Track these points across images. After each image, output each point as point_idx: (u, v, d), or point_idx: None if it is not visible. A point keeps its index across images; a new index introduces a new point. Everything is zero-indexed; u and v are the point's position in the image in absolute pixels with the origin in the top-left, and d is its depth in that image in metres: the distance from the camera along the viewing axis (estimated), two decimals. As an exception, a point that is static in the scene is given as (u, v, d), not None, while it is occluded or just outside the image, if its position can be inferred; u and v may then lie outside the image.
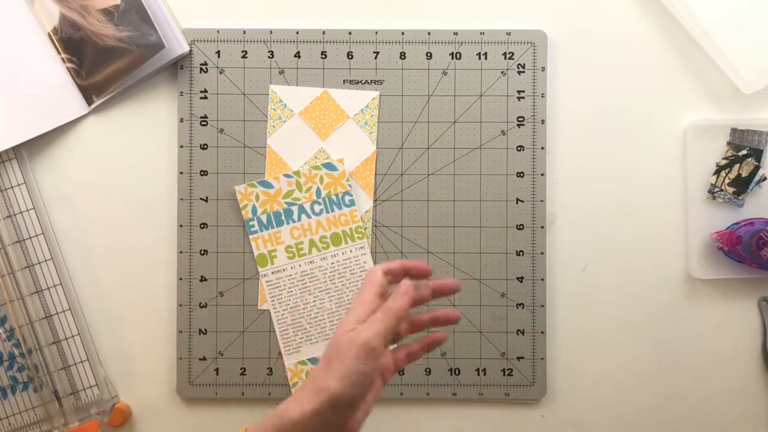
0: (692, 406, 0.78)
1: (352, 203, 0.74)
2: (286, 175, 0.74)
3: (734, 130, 0.76)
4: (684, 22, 0.75)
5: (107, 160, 0.76)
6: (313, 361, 0.75)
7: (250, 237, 0.74)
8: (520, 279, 0.77)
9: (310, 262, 0.74)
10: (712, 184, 0.76)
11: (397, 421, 0.77)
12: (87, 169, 0.77)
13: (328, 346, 0.54)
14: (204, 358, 0.76)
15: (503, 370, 0.77)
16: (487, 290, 0.77)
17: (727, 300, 0.77)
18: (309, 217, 0.74)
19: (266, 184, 0.74)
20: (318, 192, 0.74)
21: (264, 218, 0.74)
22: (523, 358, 0.77)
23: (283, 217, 0.74)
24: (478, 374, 0.77)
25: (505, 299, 0.77)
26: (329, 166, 0.74)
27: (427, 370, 0.77)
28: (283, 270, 0.74)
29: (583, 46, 0.77)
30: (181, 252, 0.76)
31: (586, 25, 0.77)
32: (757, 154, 0.76)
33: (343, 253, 0.74)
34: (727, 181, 0.76)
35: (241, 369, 0.76)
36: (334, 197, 0.74)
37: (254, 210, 0.74)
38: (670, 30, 0.77)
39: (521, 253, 0.77)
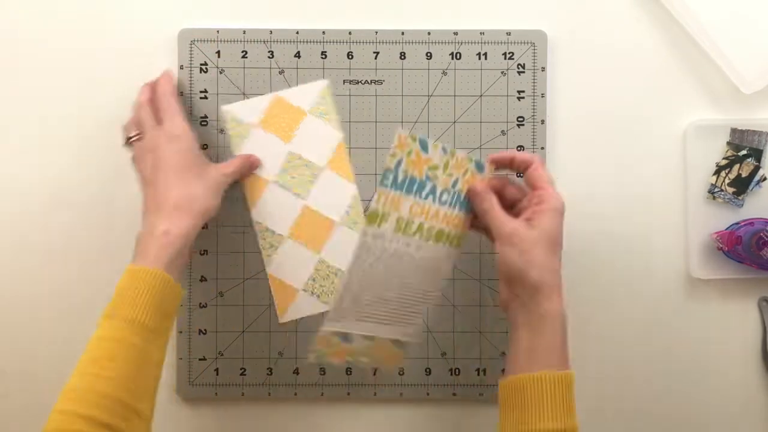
0: (692, 406, 0.78)
1: (469, 209, 0.68)
2: (444, 149, 0.65)
3: (734, 130, 0.76)
4: (684, 22, 0.75)
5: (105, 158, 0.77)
6: (346, 337, 0.66)
7: (379, 188, 0.62)
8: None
9: (408, 245, 0.65)
10: (712, 184, 0.76)
11: (397, 421, 0.77)
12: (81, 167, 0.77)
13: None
14: (204, 359, 0.76)
15: (503, 370, 0.77)
16: (486, 290, 0.77)
17: (727, 300, 0.77)
18: (434, 201, 0.65)
19: (425, 146, 0.63)
20: (455, 183, 0.66)
21: (401, 177, 0.62)
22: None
23: (415, 187, 0.64)
24: (478, 374, 0.77)
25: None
26: (479, 166, 0.68)
27: (428, 370, 0.77)
28: (383, 238, 0.63)
29: (583, 46, 0.77)
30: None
31: (586, 26, 0.77)
32: (757, 154, 0.76)
33: (435, 251, 0.67)
34: (727, 181, 0.76)
35: (241, 369, 0.76)
36: (463, 195, 0.67)
37: (399, 163, 0.62)
38: (670, 30, 0.77)
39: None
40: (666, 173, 0.77)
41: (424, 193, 0.64)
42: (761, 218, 0.75)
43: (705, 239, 0.76)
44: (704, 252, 0.76)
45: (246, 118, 0.75)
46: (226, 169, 0.71)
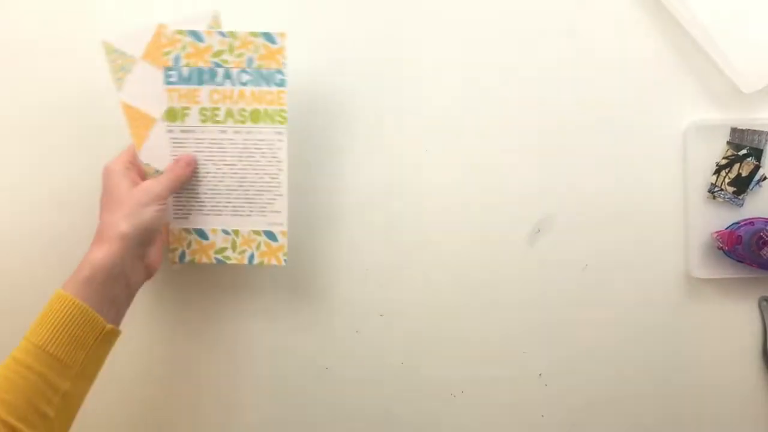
0: (692, 406, 0.77)
1: (282, 83, 0.69)
2: (221, 33, 0.68)
3: (734, 130, 0.76)
4: (684, 22, 0.75)
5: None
6: (199, 232, 0.71)
7: (166, 87, 0.68)
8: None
9: (223, 131, 0.69)
10: (712, 184, 0.76)
11: (398, 420, 0.77)
12: None
13: (105, 196, 0.65)
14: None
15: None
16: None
17: (727, 300, 0.77)
18: (233, 84, 0.68)
19: (197, 36, 0.68)
20: (250, 61, 0.68)
21: (186, 71, 0.68)
22: (523, 357, 0.77)
23: (205, 76, 0.68)
24: (478, 374, 0.77)
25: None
26: (269, 37, 0.68)
27: (427, 369, 0.77)
28: (193, 131, 0.69)
29: (583, 46, 0.77)
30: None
31: (586, 25, 0.77)
32: (757, 153, 0.76)
33: (259, 133, 0.69)
34: (727, 180, 0.76)
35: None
36: (265, 71, 0.69)
37: (177, 59, 0.68)
38: (671, 30, 0.77)
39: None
40: (666, 173, 0.77)
41: (219, 79, 0.68)
42: (761, 218, 0.75)
43: (705, 239, 0.76)
44: (704, 252, 0.76)
45: (129, 50, 0.69)
46: (155, 187, 0.66)
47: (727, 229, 0.75)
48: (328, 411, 0.77)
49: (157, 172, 0.70)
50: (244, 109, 0.69)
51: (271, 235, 0.71)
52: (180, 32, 0.68)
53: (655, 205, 0.77)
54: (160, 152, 0.70)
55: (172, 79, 0.68)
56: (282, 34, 0.68)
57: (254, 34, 0.68)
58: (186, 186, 0.70)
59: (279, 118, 0.69)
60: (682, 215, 0.77)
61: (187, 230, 0.71)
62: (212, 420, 0.77)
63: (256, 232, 0.71)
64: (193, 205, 0.71)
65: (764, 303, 0.77)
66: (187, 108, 0.69)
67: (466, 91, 0.76)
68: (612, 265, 0.77)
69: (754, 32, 0.76)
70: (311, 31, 0.76)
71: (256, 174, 0.70)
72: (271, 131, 0.69)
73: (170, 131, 0.69)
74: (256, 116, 0.69)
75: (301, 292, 0.77)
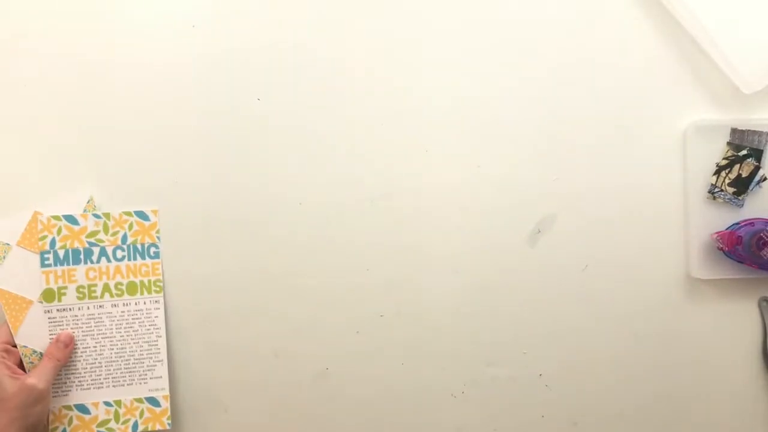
0: (692, 406, 0.78)
1: (156, 256, 0.73)
2: (95, 215, 0.73)
3: (734, 130, 0.76)
4: (684, 22, 0.75)
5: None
6: (81, 408, 0.73)
7: (42, 269, 0.72)
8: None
9: (100, 306, 0.73)
10: (712, 185, 0.76)
11: (398, 419, 0.77)
12: None
13: None
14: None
15: (502, 370, 0.77)
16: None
17: (727, 300, 0.77)
18: (109, 261, 0.73)
19: (72, 220, 0.72)
20: (124, 238, 0.73)
21: (62, 253, 0.72)
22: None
23: (81, 256, 0.72)
24: (478, 374, 0.77)
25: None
26: (142, 215, 0.73)
27: (427, 370, 0.77)
28: (70, 309, 0.72)
29: (583, 46, 0.77)
30: None
31: (586, 25, 0.77)
32: (757, 154, 0.76)
33: (136, 304, 0.73)
34: (727, 181, 0.76)
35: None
36: (139, 246, 0.73)
37: (53, 243, 0.72)
38: (671, 30, 0.77)
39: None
40: (666, 173, 0.77)
41: (95, 258, 0.72)
42: (761, 218, 0.75)
43: (705, 239, 0.76)
44: (704, 252, 0.76)
45: (3, 238, 0.72)
46: (38, 384, 0.67)
47: (727, 229, 0.75)
48: (328, 411, 0.77)
49: (35, 353, 0.72)
50: (120, 283, 0.73)
51: (153, 401, 0.73)
52: (55, 217, 0.72)
53: (655, 206, 0.77)
54: (37, 333, 0.72)
55: (47, 262, 0.72)
56: (154, 211, 0.73)
57: (128, 213, 0.73)
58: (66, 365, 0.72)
59: (155, 288, 0.73)
60: (682, 216, 0.77)
61: (68, 407, 0.73)
62: (212, 420, 0.77)
63: (139, 400, 0.73)
64: (73, 381, 0.73)
65: (764, 303, 0.77)
66: (64, 287, 0.72)
67: (467, 91, 0.76)
68: (612, 265, 0.77)
69: (754, 32, 0.76)
70: (311, 31, 0.76)
71: (135, 343, 0.73)
72: (149, 300, 0.73)
73: (47, 311, 0.72)
74: (132, 289, 0.73)
75: (301, 292, 0.77)
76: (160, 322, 0.73)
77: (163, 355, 0.73)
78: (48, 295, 0.72)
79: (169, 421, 0.74)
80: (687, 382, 0.77)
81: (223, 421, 0.77)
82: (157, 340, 0.73)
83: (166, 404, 0.73)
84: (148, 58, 0.76)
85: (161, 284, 0.73)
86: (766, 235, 0.73)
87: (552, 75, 0.77)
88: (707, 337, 0.77)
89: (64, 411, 0.72)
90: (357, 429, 0.78)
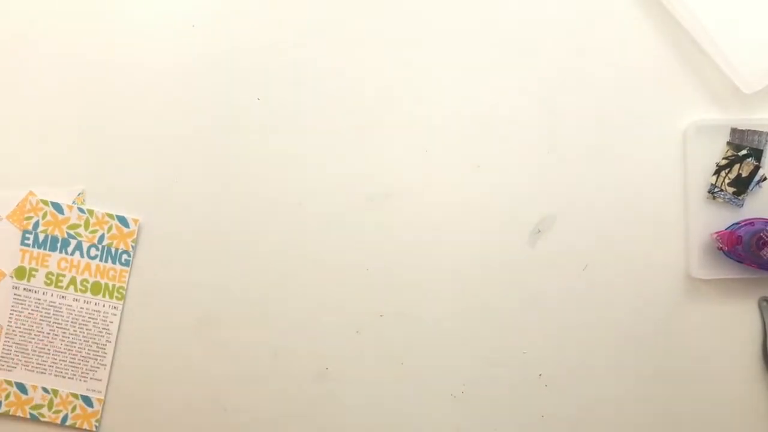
0: (692, 406, 0.77)
1: (126, 263, 0.75)
2: (81, 210, 0.75)
3: (734, 130, 0.76)
4: (684, 22, 0.75)
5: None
6: (20, 386, 0.75)
7: (21, 247, 0.74)
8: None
9: (63, 297, 0.75)
10: (712, 184, 0.76)
11: (398, 419, 0.78)
12: None
13: None
14: None
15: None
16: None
17: (727, 300, 0.77)
18: (82, 256, 0.75)
19: (59, 208, 0.74)
20: (101, 238, 0.75)
21: (42, 236, 0.74)
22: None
23: (59, 244, 0.75)
24: (478, 374, 0.77)
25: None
26: (123, 221, 0.75)
27: (427, 370, 0.77)
28: (35, 291, 0.75)
29: (583, 46, 0.77)
30: None
31: (586, 26, 0.77)
32: (757, 154, 0.76)
33: (95, 304, 0.75)
34: (727, 181, 0.76)
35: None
36: (113, 250, 0.75)
37: (36, 225, 0.74)
38: (670, 30, 0.77)
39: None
40: (666, 173, 0.77)
41: (70, 249, 0.74)
42: (761, 218, 0.75)
43: (705, 239, 0.76)
44: (704, 252, 0.76)
45: None
46: None
47: (727, 229, 0.75)
48: (328, 411, 0.77)
49: None
50: (86, 280, 0.75)
51: (87, 401, 0.75)
52: (44, 202, 0.74)
53: (655, 206, 0.77)
54: (0, 305, 0.75)
55: (27, 242, 0.74)
56: (135, 220, 0.74)
57: (110, 216, 0.74)
58: None
59: (117, 295, 0.75)
60: (682, 215, 0.77)
61: (9, 382, 0.75)
62: (212, 420, 0.77)
63: (74, 395, 0.75)
64: (20, 360, 0.75)
65: (764, 303, 0.77)
66: (35, 269, 0.74)
67: (467, 91, 0.76)
68: (612, 265, 0.77)
69: (754, 32, 0.76)
70: (311, 31, 0.76)
71: (86, 341, 0.75)
72: (108, 304, 0.75)
73: (15, 288, 0.75)
74: (96, 288, 0.75)
75: (301, 292, 0.77)
76: (114, 328, 0.75)
77: (108, 361, 0.75)
78: (20, 273, 0.75)
79: (98, 424, 0.75)
80: (687, 381, 0.77)
81: (222, 421, 0.77)
82: (105, 345, 0.75)
83: (98, 407, 0.75)
84: (148, 58, 0.76)
85: (124, 292, 0.75)
86: (766, 235, 0.73)
87: (552, 75, 0.77)
88: (707, 337, 0.77)
89: (5, 385, 0.75)
90: (357, 429, 0.78)
